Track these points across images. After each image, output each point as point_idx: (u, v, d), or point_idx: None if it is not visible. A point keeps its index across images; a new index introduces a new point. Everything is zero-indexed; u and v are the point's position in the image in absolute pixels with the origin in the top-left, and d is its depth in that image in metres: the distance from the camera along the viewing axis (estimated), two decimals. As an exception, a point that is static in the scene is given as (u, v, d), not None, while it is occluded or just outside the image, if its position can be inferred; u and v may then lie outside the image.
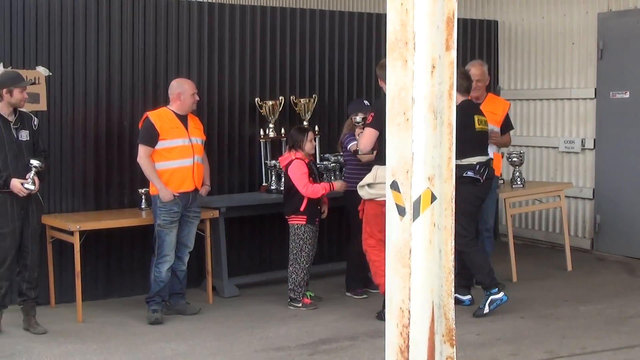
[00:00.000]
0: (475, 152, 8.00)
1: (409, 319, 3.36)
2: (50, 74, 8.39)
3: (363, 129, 8.01)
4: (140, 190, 8.59)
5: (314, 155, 9.25)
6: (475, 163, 7.95)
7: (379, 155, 7.60)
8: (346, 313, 8.18)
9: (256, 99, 9.51)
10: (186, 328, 7.75)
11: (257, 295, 8.99)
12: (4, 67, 8.12)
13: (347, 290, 8.90)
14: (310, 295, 8.55)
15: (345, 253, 9.33)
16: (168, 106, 8.08)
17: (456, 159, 7.64)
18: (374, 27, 10.38)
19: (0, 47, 8.22)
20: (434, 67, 3.47)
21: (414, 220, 3.38)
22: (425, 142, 3.43)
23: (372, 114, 7.77)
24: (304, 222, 8.36)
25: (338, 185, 8.49)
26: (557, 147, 11.30)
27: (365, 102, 9.00)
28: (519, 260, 9.61)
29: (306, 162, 8.39)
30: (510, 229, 9.51)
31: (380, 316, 7.60)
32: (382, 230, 7.34)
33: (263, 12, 9.67)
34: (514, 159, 9.86)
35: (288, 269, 8.46)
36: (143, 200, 8.60)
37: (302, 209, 8.33)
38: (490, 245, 9.09)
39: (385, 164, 7.25)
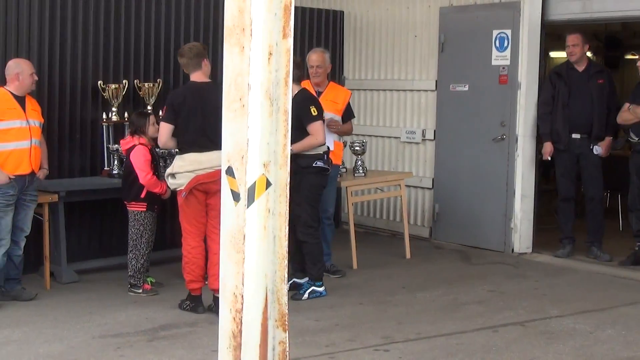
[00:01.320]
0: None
1: (242, 304, 3.38)
2: None
3: None
4: None
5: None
6: (322, 153, 8.04)
7: (178, 146, 7.65)
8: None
9: (99, 82, 9.30)
10: (21, 314, 7.57)
11: (97, 281, 8.86)
12: None
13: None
14: (151, 281, 8.50)
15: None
16: (5, 87, 7.85)
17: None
18: (220, 11, 10.25)
19: None
20: (270, 54, 3.48)
21: (248, 206, 3.39)
22: (261, 128, 3.44)
23: (165, 107, 7.75)
24: (144, 209, 8.30)
25: (167, 194, 8.31)
26: (399, 137, 11.54)
27: None
28: (360, 247, 9.78)
29: (149, 148, 8.30)
30: (352, 217, 9.66)
31: (181, 306, 7.82)
32: (190, 222, 7.67)
33: (107, -7, 9.50)
34: (357, 148, 10.00)
35: (128, 255, 8.38)
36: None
37: (142, 195, 8.25)
38: (331, 233, 9.20)
39: (181, 154, 7.45)
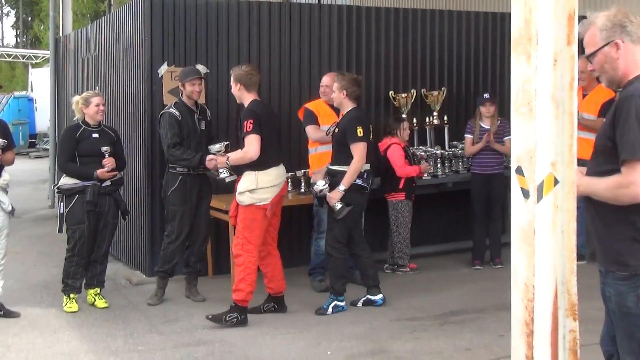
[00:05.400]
0: (365, 160, 7.26)
1: (533, 294, 3.29)
2: (208, 71, 8.46)
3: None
4: (296, 172, 8.59)
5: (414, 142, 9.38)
6: (363, 171, 7.22)
7: (260, 159, 6.85)
8: (475, 287, 8.08)
9: (390, 92, 9.46)
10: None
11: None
12: (167, 65, 8.33)
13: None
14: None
15: (471, 231, 9.16)
16: (320, 99, 8.22)
17: (346, 164, 7.07)
18: (498, 25, 10.20)
19: (165, 47, 8.42)
20: (556, 60, 3.36)
21: (537, 202, 3.30)
22: (548, 130, 3.34)
23: (251, 120, 6.84)
24: (403, 198, 8.59)
25: (423, 168, 8.73)
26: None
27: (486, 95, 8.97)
28: None
29: (402, 146, 8.60)
30: None
31: (226, 319, 6.93)
32: (261, 235, 6.96)
33: (397, 13, 9.63)
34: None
35: (392, 240, 8.66)
36: (302, 184, 8.66)
37: (400, 186, 8.55)
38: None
39: (265, 169, 6.84)
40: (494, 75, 10.19)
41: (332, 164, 7.33)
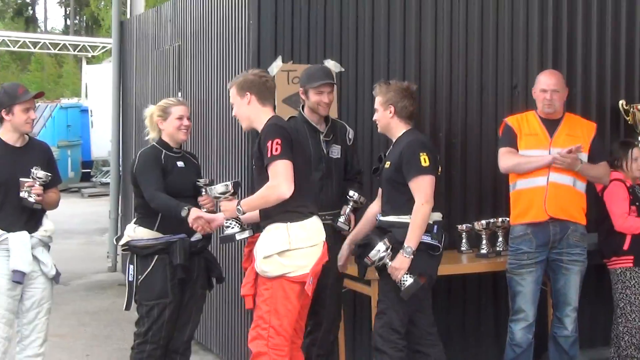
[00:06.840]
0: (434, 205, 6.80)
1: None
2: (343, 69, 8.04)
3: None
4: (478, 224, 8.10)
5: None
6: (432, 222, 6.70)
7: (292, 202, 6.17)
8: None
9: (620, 102, 8.93)
10: None
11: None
12: (282, 62, 7.94)
13: None
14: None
15: None
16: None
17: (405, 213, 6.70)
18: None
19: (278, 35, 8.04)
20: None
21: None
22: None
23: (278, 139, 6.25)
24: (631, 265, 7.95)
25: None
26: None
27: None
28: None
29: (628, 185, 8.03)
30: None
31: None
32: (294, 323, 6.35)
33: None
34: None
35: (616, 330, 8.03)
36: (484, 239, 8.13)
37: (625, 247, 7.93)
38: None
39: (301, 220, 6.28)
40: None
41: (385, 213, 6.86)
